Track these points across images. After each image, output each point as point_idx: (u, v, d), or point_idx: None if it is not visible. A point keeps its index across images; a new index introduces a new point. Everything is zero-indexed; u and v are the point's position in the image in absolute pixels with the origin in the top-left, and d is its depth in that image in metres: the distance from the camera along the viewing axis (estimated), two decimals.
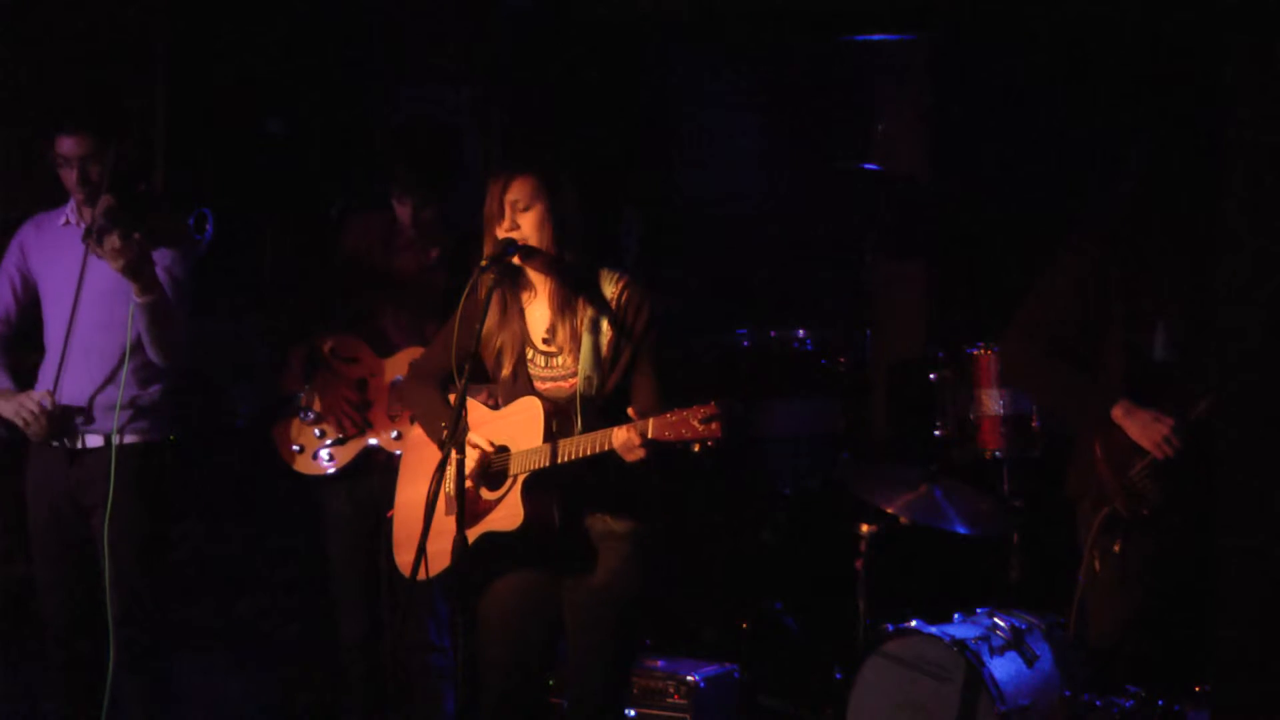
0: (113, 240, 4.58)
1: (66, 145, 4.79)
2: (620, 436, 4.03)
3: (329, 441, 5.10)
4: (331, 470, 5.10)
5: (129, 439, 4.83)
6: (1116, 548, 4.59)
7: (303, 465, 5.14)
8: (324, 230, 5.53)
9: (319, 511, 5.23)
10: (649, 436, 3.99)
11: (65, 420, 4.82)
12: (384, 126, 6.40)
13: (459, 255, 5.07)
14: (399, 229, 5.15)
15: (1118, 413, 4.56)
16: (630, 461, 4.05)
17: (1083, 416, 4.67)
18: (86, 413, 4.83)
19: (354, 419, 5.07)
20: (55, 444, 4.87)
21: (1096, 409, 4.59)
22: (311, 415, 5.11)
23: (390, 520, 4.53)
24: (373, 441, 5.06)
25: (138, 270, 4.61)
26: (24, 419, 4.80)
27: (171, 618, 5.05)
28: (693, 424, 3.93)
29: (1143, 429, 4.53)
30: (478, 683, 4.31)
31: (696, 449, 3.96)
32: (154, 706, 4.91)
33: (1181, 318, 4.58)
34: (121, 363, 4.79)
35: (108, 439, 4.81)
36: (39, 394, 4.81)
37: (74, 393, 4.83)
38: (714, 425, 3.91)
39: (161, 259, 4.79)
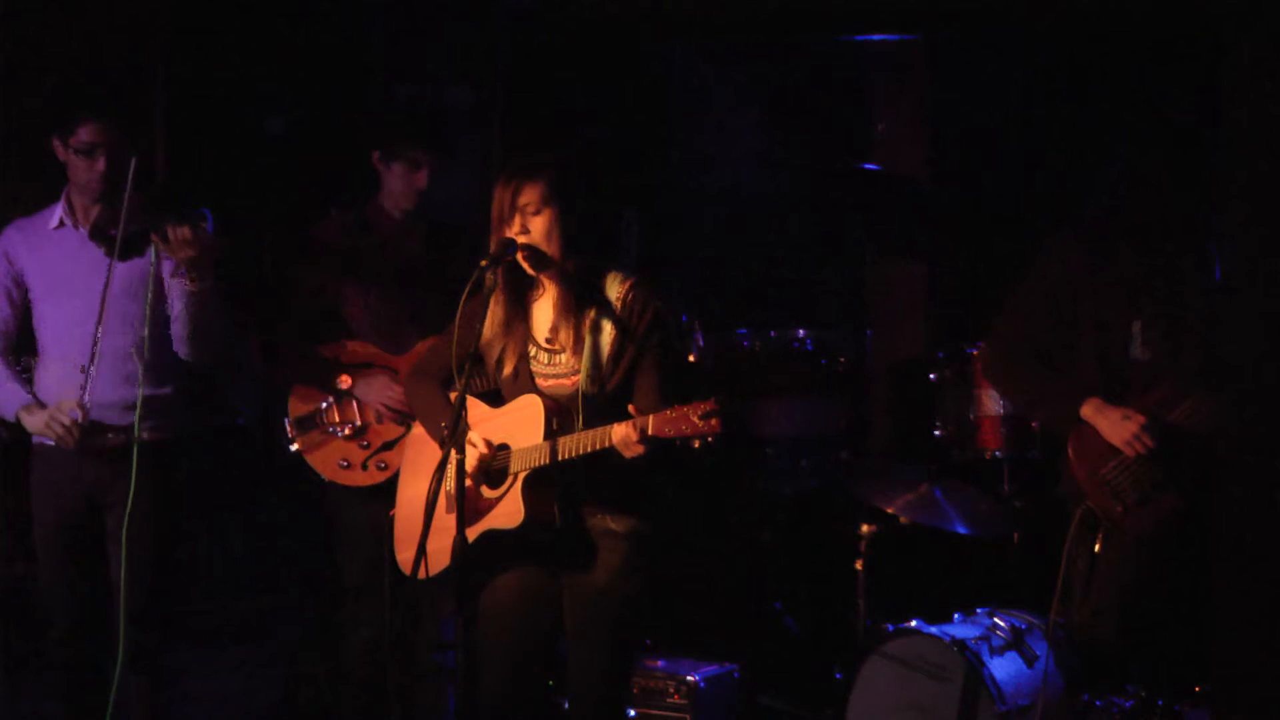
0: (182, 232, 4.56)
1: (90, 132, 4.74)
2: (619, 433, 4.03)
3: (377, 448, 5.08)
4: (387, 477, 5.04)
5: (147, 436, 4.81)
6: (1097, 546, 4.61)
7: (352, 478, 5.09)
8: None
9: (338, 516, 5.19)
10: (649, 433, 3.99)
11: (96, 431, 4.78)
12: (392, 103, 6.41)
13: (445, 251, 5.08)
14: (378, 221, 5.15)
15: (1087, 411, 4.58)
16: (629, 458, 4.05)
17: (1055, 415, 4.69)
18: (109, 413, 4.81)
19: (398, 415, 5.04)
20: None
21: (1067, 407, 4.61)
22: (349, 429, 5.08)
23: (392, 519, 4.53)
24: None
25: (201, 259, 4.61)
26: (56, 433, 4.75)
27: (177, 618, 5.04)
28: (692, 420, 3.93)
29: (1112, 427, 4.55)
30: (478, 682, 4.32)
31: (696, 445, 3.97)
32: (158, 706, 4.91)
33: (1158, 319, 4.60)
34: (135, 361, 4.78)
35: (126, 436, 4.80)
36: (69, 404, 4.75)
37: (89, 394, 4.81)
38: (713, 421, 3.91)
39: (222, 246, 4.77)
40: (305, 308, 5.17)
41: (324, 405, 5.11)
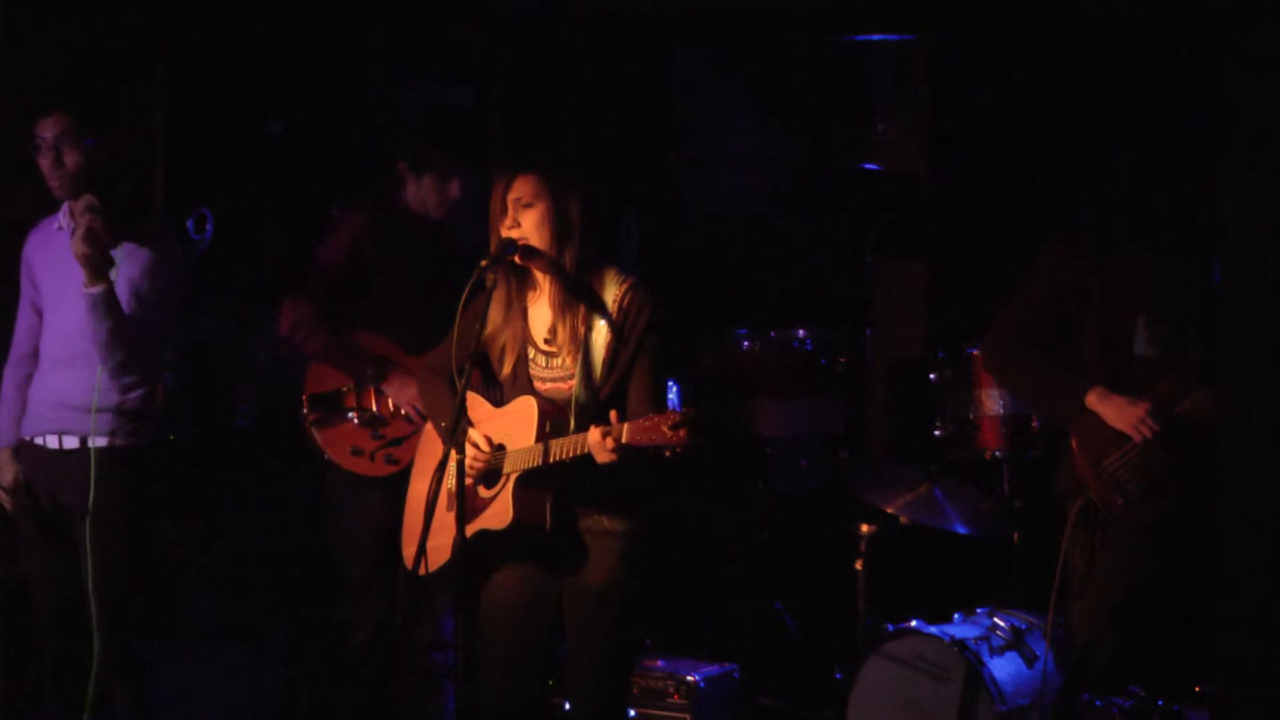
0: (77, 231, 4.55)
1: (43, 126, 4.70)
2: (594, 438, 4.04)
3: (387, 441, 5.07)
4: (395, 471, 5.05)
5: (108, 442, 4.78)
6: (1096, 538, 4.61)
7: (362, 466, 5.08)
8: (324, 230, 5.52)
9: (339, 513, 5.18)
10: (623, 441, 4.00)
11: (33, 493, 4.84)
12: (398, 121, 6.39)
13: (465, 250, 5.07)
14: (410, 222, 5.13)
15: (1092, 398, 4.58)
16: (603, 463, 4.06)
17: (1059, 404, 4.69)
18: (77, 415, 4.81)
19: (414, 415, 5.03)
20: (39, 441, 4.85)
21: (1072, 396, 4.61)
22: (366, 415, 5.07)
23: (401, 515, 4.54)
24: None
25: (88, 259, 4.55)
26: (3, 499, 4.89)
27: (159, 620, 5.01)
28: (663, 430, 3.95)
29: (1118, 412, 4.54)
30: (478, 682, 4.32)
31: (668, 454, 3.99)
32: (139, 710, 4.88)
33: (1163, 315, 4.60)
34: (103, 368, 4.76)
35: (84, 441, 4.79)
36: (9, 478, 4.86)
37: (57, 394, 4.80)
38: (681, 432, 3.92)
39: (139, 259, 4.74)
40: (331, 291, 5.15)
41: (344, 389, 5.10)
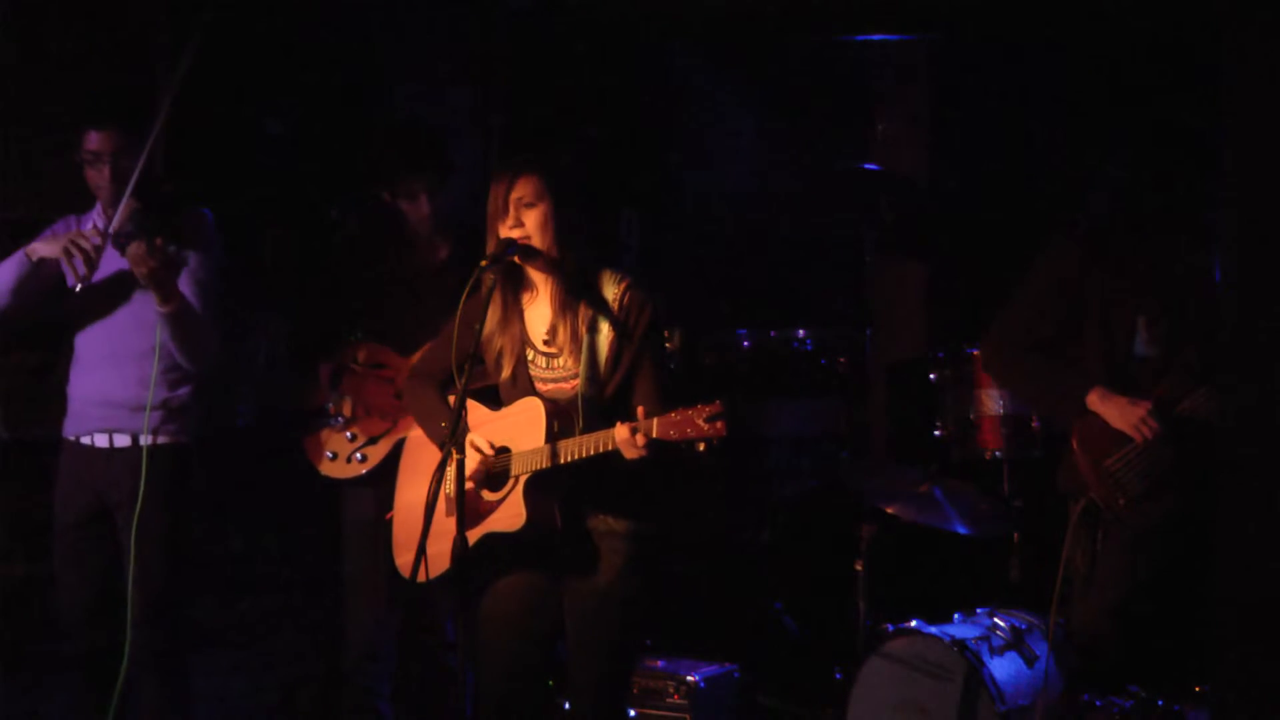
0: (137, 248, 4.53)
1: (95, 140, 4.74)
2: (622, 435, 4.02)
3: (362, 443, 5.10)
4: (365, 470, 5.10)
5: (159, 440, 4.80)
6: (1097, 539, 4.61)
7: (337, 470, 5.15)
8: (324, 230, 5.53)
9: (341, 515, 5.23)
10: (653, 436, 3.97)
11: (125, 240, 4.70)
12: (377, 133, 6.41)
13: (465, 250, 5.09)
14: (408, 230, 5.16)
15: (1093, 399, 4.59)
16: (631, 460, 4.04)
17: (1060, 405, 4.70)
18: (121, 413, 4.81)
19: (387, 410, 5.06)
20: (85, 440, 4.85)
21: (1073, 396, 4.61)
22: (341, 420, 5.12)
23: (390, 522, 4.53)
24: (403, 437, 5.06)
25: (160, 279, 4.59)
26: (71, 253, 4.65)
27: (189, 620, 5.03)
28: (698, 423, 3.92)
29: (1120, 412, 4.55)
30: (479, 683, 4.32)
31: (701, 448, 3.95)
32: (171, 709, 4.89)
33: (1162, 315, 4.61)
34: (151, 364, 4.77)
35: (135, 439, 4.79)
36: (91, 228, 4.71)
37: (103, 393, 4.81)
38: (719, 424, 3.90)
39: (192, 260, 4.76)
40: (340, 309, 5.20)
41: (330, 401, 5.15)
